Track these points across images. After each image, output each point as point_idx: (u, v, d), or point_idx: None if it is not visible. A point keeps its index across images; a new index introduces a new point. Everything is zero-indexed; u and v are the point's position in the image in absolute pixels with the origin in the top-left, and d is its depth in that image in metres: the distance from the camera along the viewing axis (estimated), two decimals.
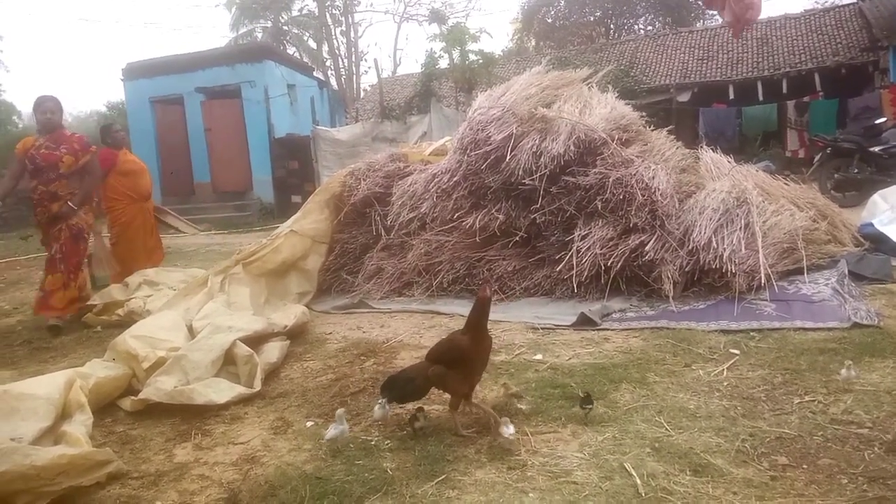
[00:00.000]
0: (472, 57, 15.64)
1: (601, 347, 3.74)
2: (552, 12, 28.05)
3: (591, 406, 2.72)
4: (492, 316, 4.53)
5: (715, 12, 24.34)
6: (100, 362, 3.58)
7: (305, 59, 24.32)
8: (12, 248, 11.55)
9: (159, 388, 3.21)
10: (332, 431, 2.63)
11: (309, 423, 2.95)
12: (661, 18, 27.11)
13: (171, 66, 17.18)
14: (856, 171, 9.26)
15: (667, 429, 2.57)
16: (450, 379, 2.71)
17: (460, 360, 2.70)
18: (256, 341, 3.82)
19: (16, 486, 2.28)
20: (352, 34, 25.67)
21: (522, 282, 5.07)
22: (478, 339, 2.74)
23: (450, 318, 4.65)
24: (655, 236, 4.67)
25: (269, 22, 25.81)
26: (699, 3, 26.30)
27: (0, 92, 24.97)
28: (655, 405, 2.80)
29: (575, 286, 4.74)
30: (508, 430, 2.51)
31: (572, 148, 5.06)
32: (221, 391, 3.25)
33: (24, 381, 3.02)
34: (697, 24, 23.76)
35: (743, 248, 4.51)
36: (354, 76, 26.02)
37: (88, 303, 5.47)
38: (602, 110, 5.59)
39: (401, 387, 2.84)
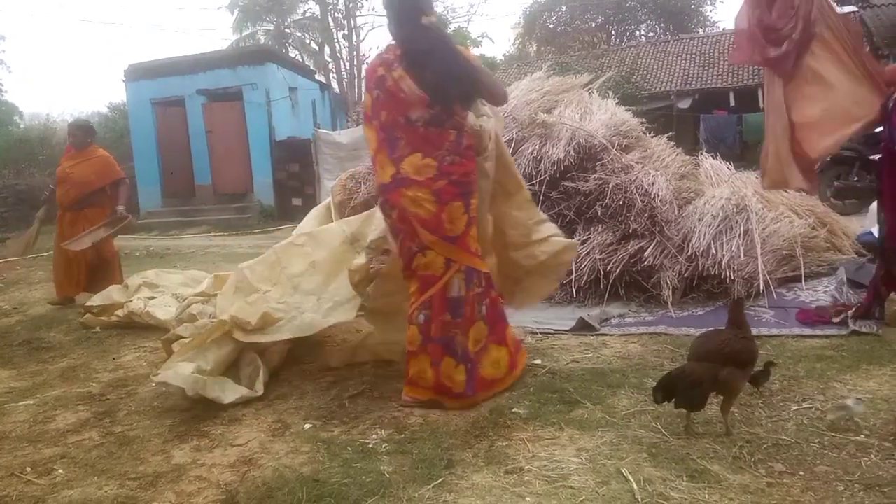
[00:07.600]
0: None
1: (600, 352, 3.75)
2: (554, 18, 28.19)
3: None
4: None
5: (717, 21, 24.45)
6: None
7: (307, 62, 24.35)
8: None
9: (178, 372, 3.20)
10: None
11: (307, 426, 2.95)
12: (662, 25, 27.23)
13: (172, 67, 17.18)
14: (856, 179, 9.23)
15: (664, 434, 2.58)
16: (739, 381, 2.56)
17: (751, 361, 2.60)
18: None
19: None
20: (354, 38, 25.70)
21: None
22: None
23: None
24: (655, 242, 4.67)
25: (272, 25, 25.85)
26: (700, 10, 26.46)
27: (1, 92, 24.95)
28: (653, 410, 2.80)
29: (574, 291, 4.74)
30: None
31: (572, 153, 5.08)
32: (227, 391, 3.27)
33: None
34: (699, 31, 23.85)
35: (742, 255, 4.52)
36: (356, 79, 26.04)
37: (88, 304, 5.46)
38: (602, 116, 5.61)
39: (684, 391, 2.49)
